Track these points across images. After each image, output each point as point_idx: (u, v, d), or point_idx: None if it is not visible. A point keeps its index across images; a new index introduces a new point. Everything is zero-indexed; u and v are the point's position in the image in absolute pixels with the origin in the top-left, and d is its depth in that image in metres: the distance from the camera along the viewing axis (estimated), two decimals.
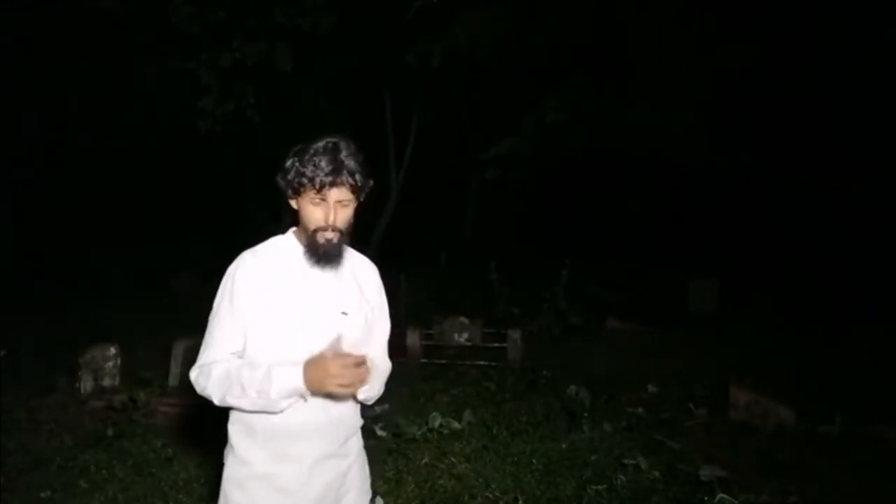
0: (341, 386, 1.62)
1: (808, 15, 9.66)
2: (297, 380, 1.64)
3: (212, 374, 1.72)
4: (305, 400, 1.69)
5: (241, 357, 1.76)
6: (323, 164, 1.67)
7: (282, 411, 1.69)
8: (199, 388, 1.76)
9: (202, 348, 1.78)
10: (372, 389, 1.82)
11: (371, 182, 1.76)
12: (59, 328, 7.48)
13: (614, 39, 9.99)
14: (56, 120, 12.34)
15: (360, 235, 1.84)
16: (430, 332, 6.92)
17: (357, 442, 1.94)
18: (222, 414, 1.83)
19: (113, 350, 5.57)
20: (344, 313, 1.79)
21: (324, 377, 1.61)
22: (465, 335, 6.89)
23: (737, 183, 11.68)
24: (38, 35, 11.59)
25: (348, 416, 1.87)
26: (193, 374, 1.77)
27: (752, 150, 11.02)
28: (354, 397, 1.86)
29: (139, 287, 10.17)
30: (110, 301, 9.22)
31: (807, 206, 11.80)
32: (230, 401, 1.70)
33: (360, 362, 1.64)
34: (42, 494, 3.70)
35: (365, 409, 1.95)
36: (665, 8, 9.76)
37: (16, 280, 9.80)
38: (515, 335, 6.54)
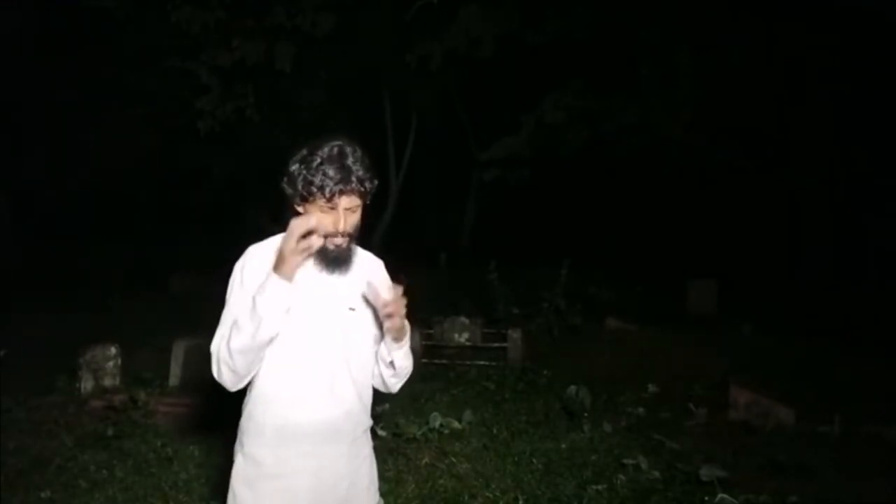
0: (298, 241, 1.59)
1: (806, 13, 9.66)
2: (270, 279, 1.62)
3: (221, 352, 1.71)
4: (288, 309, 1.66)
5: None
6: (331, 172, 1.66)
7: (276, 333, 1.66)
8: (215, 372, 1.73)
9: (214, 338, 1.76)
10: (407, 357, 1.83)
11: (376, 183, 1.76)
12: (59, 328, 7.47)
13: (613, 39, 9.99)
14: (56, 118, 12.33)
15: (360, 235, 1.84)
16: (430, 332, 6.91)
17: (366, 443, 1.95)
18: (223, 414, 1.83)
19: (113, 350, 5.56)
20: (352, 309, 1.80)
21: (284, 241, 1.60)
22: (465, 335, 6.88)
23: (736, 182, 11.68)
24: (37, 33, 11.59)
25: (357, 415, 1.87)
26: (215, 368, 1.73)
27: (752, 149, 11.02)
28: (364, 397, 1.86)
29: (139, 286, 10.16)
30: (110, 301, 9.21)
31: (806, 206, 11.80)
32: (234, 345, 1.66)
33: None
34: (42, 494, 3.69)
35: (374, 407, 1.94)
36: (664, 7, 9.77)
37: (16, 280, 9.78)
38: (515, 335, 6.54)
